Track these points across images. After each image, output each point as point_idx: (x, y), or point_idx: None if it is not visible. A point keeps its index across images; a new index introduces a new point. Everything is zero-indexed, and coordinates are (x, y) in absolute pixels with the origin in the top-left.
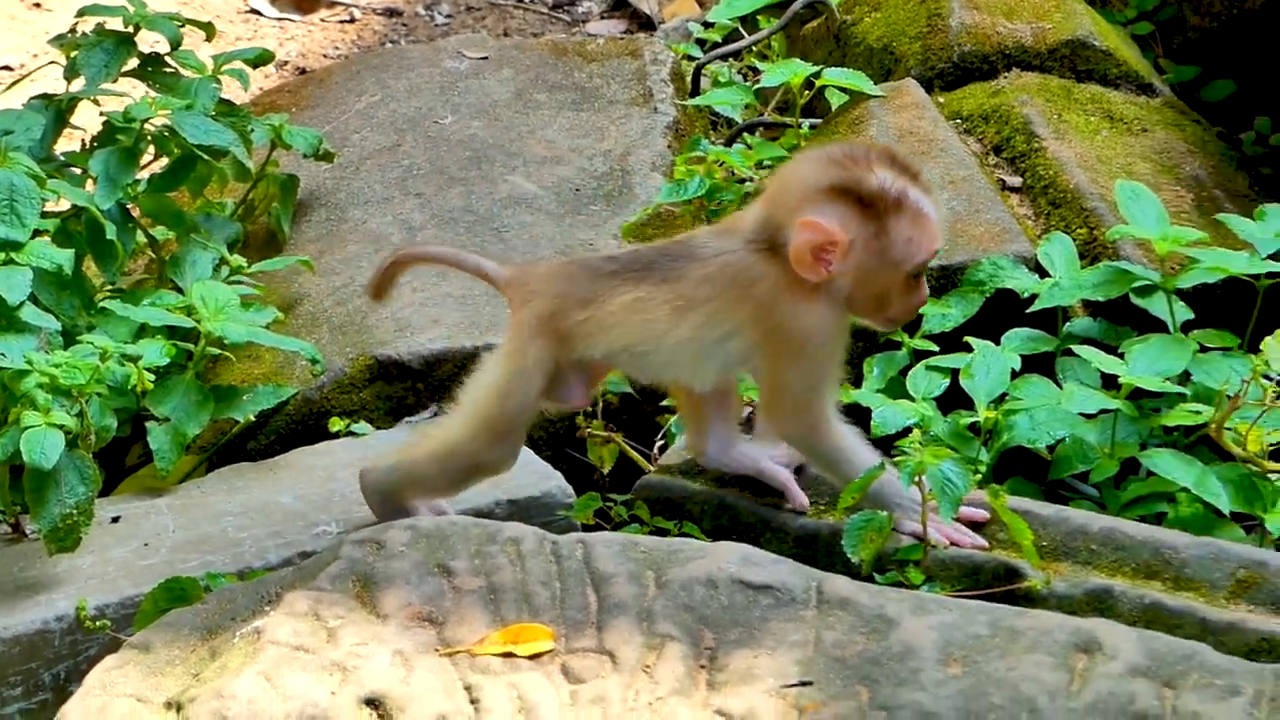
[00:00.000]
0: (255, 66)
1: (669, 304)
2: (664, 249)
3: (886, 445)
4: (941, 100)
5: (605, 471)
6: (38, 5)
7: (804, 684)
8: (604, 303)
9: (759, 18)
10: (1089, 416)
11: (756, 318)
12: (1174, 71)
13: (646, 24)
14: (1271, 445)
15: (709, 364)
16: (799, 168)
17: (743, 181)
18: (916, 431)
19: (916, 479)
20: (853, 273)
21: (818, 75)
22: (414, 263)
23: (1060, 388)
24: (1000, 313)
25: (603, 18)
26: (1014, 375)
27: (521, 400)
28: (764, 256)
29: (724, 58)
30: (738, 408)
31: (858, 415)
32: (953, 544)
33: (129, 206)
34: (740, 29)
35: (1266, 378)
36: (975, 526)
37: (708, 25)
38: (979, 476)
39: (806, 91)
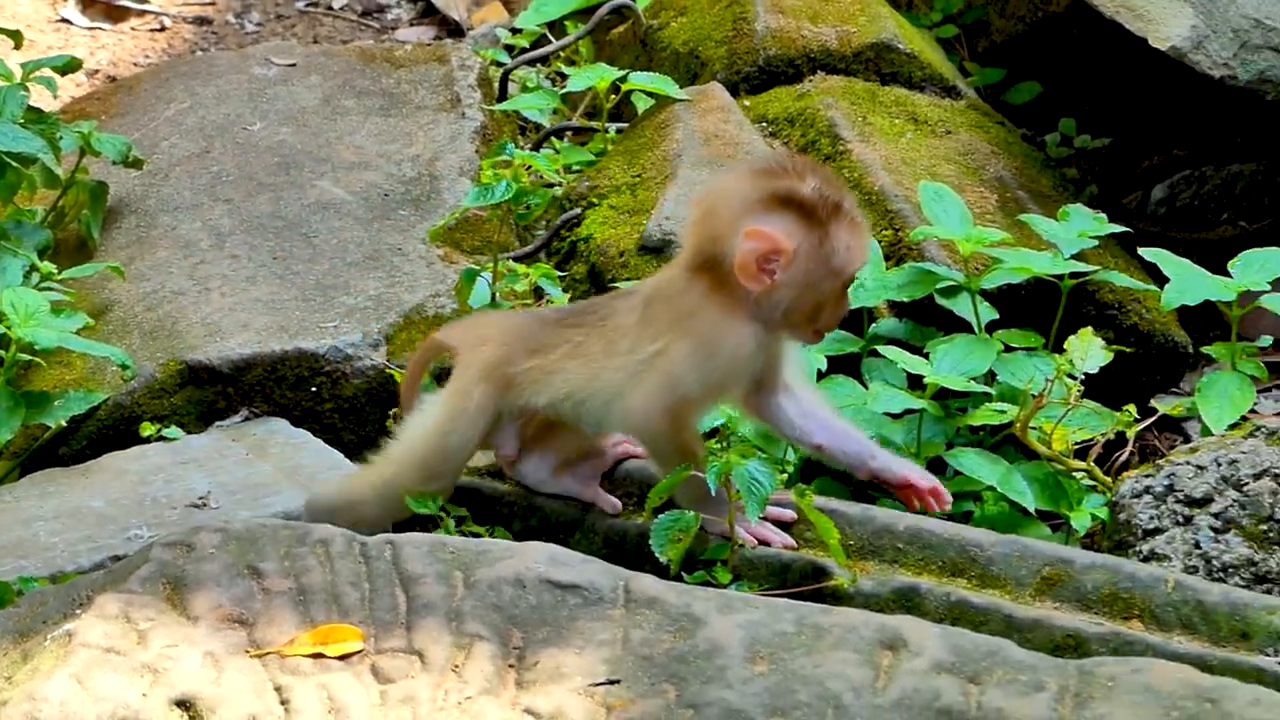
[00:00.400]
0: (64, 74)
1: (602, 338)
2: (611, 294)
3: None
4: (747, 104)
5: None
6: None
7: (612, 682)
8: (549, 351)
9: (566, 23)
10: (895, 416)
11: (679, 327)
12: (979, 74)
13: (455, 30)
14: (1076, 444)
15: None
16: (727, 184)
17: (550, 186)
18: (736, 427)
19: (724, 479)
20: (794, 282)
21: (624, 79)
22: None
23: (866, 388)
24: None
25: (412, 24)
26: (820, 376)
27: (461, 441)
28: (694, 275)
29: (531, 63)
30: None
31: None
32: (761, 543)
33: None
34: (548, 35)
35: (1071, 376)
36: (783, 526)
37: (515, 31)
38: (785, 476)
39: (613, 96)
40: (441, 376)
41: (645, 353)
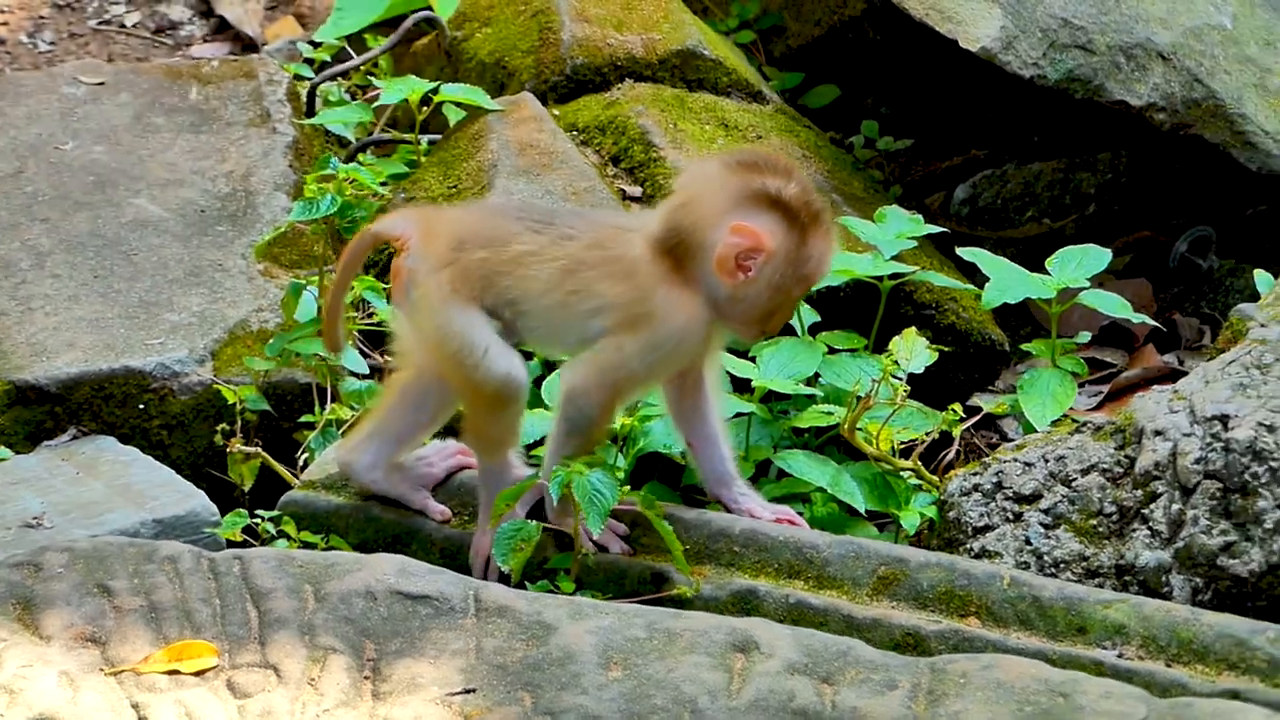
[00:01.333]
0: None
1: (554, 263)
2: (575, 211)
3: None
4: (556, 113)
5: (246, 489)
6: None
7: (468, 691)
8: (502, 248)
9: (365, 36)
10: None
11: (625, 301)
12: (778, 79)
13: (250, 47)
14: (902, 443)
15: (568, 335)
16: (711, 173)
17: (376, 196)
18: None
19: (566, 489)
20: (765, 281)
21: (436, 91)
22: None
23: None
24: None
25: (205, 41)
26: None
27: (462, 321)
28: (659, 253)
29: (333, 77)
30: (418, 442)
31: None
32: (600, 549)
33: None
34: (348, 48)
35: (896, 377)
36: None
37: (315, 45)
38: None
39: (424, 108)
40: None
41: (587, 305)
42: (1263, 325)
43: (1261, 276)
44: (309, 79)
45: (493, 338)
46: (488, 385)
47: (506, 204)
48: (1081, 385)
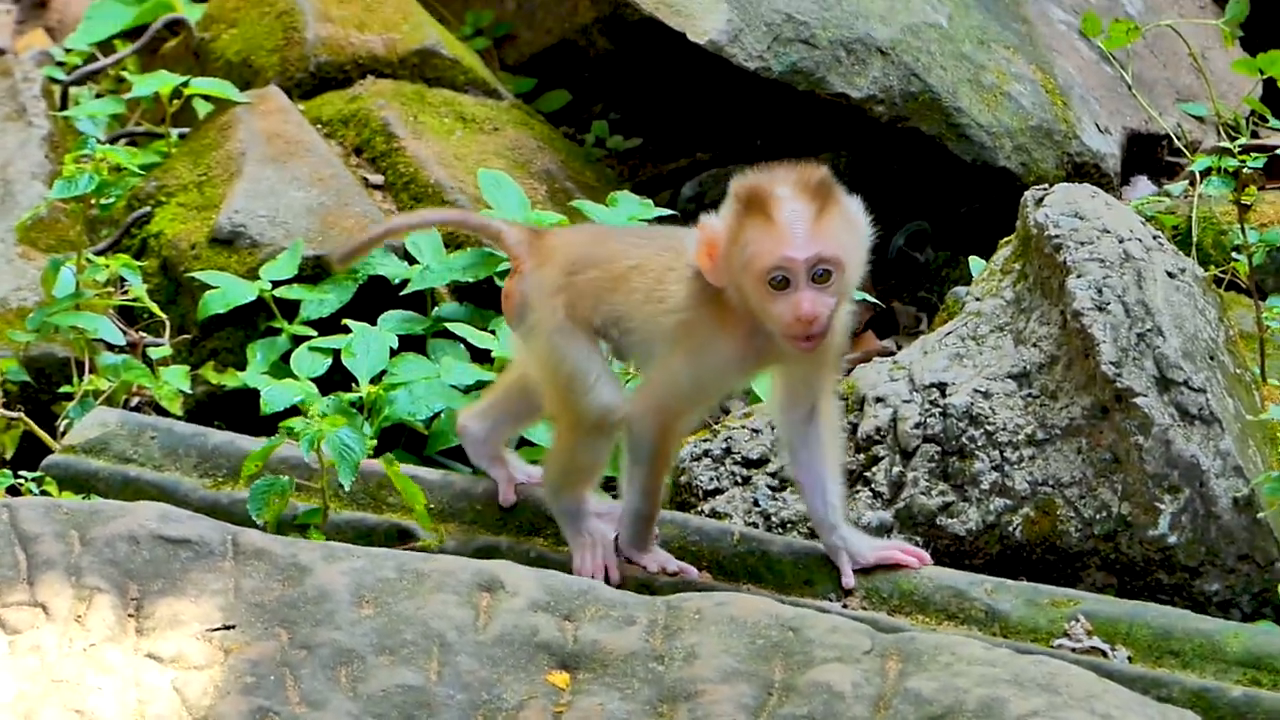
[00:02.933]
0: None
1: (652, 274)
2: (669, 230)
3: (274, 423)
4: (302, 108)
5: (8, 456)
6: None
7: (227, 628)
8: (610, 266)
9: (116, 43)
10: (465, 390)
11: (677, 311)
12: (511, 84)
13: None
14: None
15: (660, 348)
16: None
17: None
18: (314, 405)
19: (316, 446)
20: (726, 275)
21: (186, 85)
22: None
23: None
24: (375, 298)
25: None
26: (393, 354)
27: (577, 349)
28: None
29: (85, 78)
30: (528, 426)
31: (247, 398)
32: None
33: None
34: (97, 54)
35: None
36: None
37: (67, 50)
38: (373, 443)
39: (175, 101)
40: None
41: (663, 314)
42: (977, 299)
43: (976, 263)
44: (62, 81)
45: (604, 368)
46: (591, 413)
47: (610, 228)
48: None
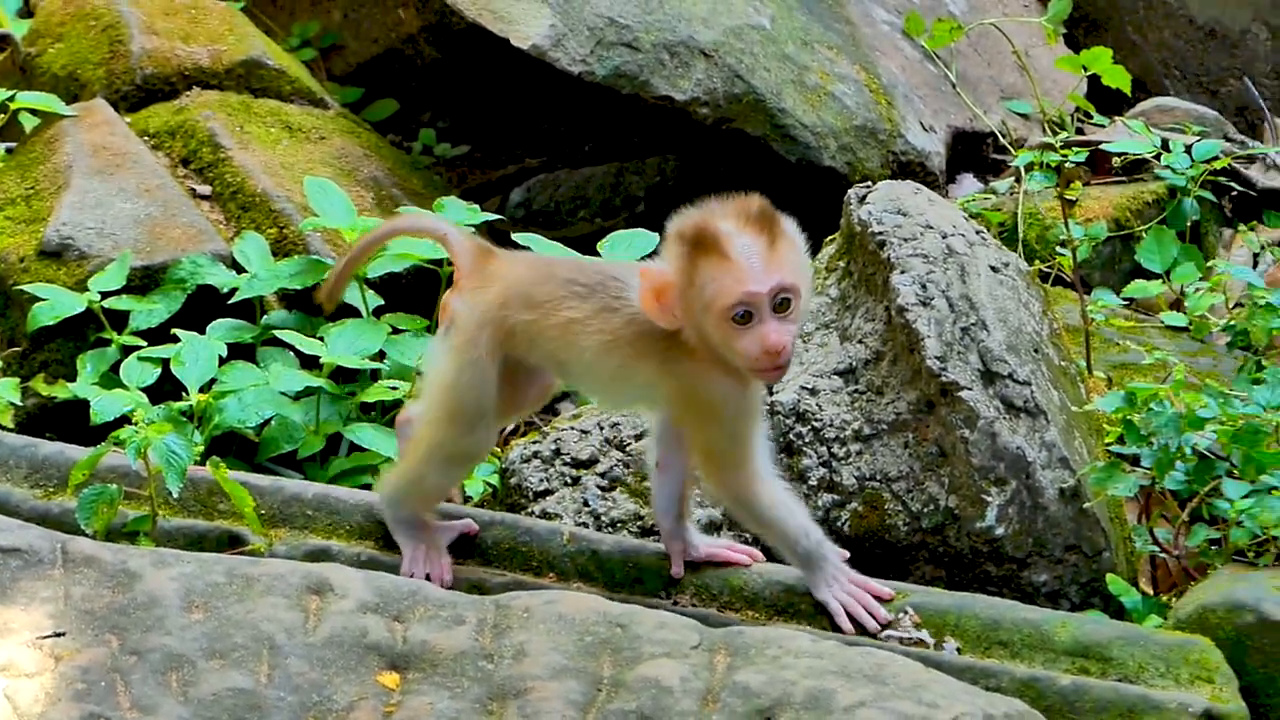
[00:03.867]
0: None
1: (598, 336)
2: (615, 273)
3: (105, 433)
4: (129, 120)
5: None
6: None
7: (58, 635)
8: (549, 312)
9: None
10: (294, 397)
11: (664, 374)
12: (339, 94)
13: None
14: None
15: (626, 397)
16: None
17: None
18: (140, 413)
19: (143, 453)
20: (686, 317)
21: (12, 99)
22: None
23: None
24: (203, 307)
25: None
26: (222, 362)
27: (480, 389)
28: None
29: None
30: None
31: (78, 409)
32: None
33: None
34: None
35: None
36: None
37: None
38: (200, 449)
39: (2, 116)
40: None
41: (636, 379)
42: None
43: None
44: None
45: (492, 414)
46: (460, 447)
47: (555, 262)
48: None
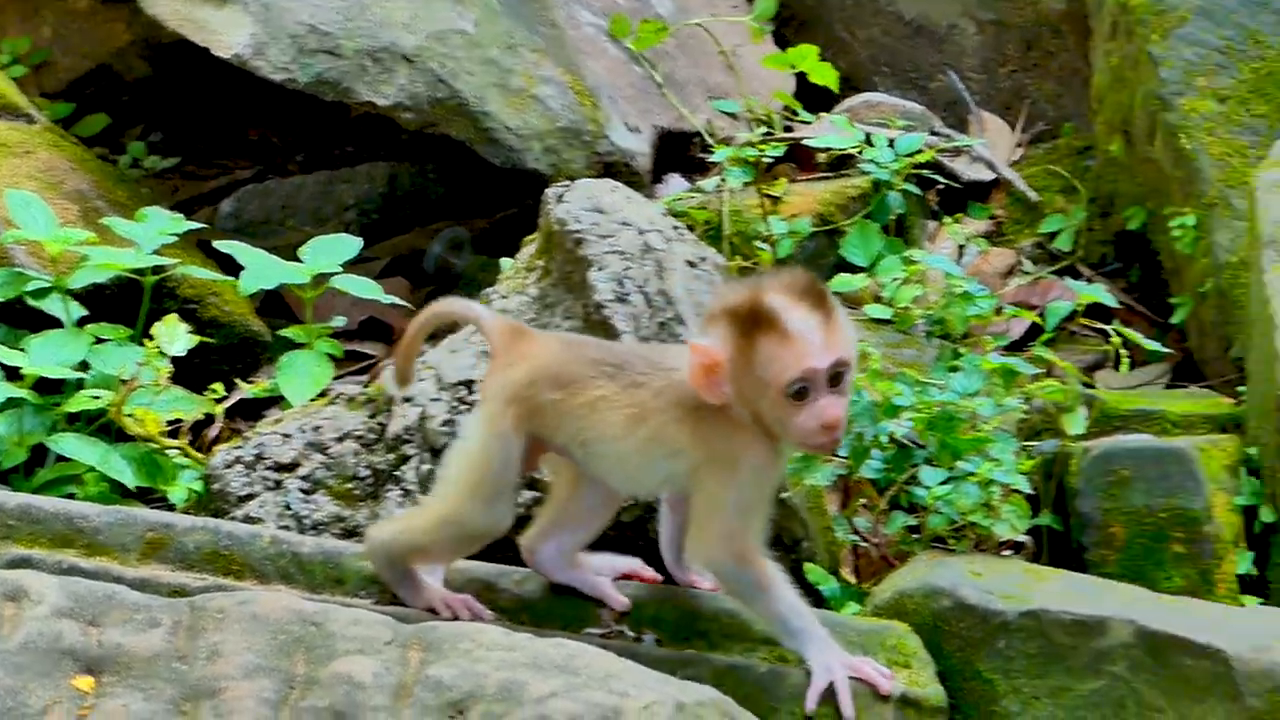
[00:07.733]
0: None
1: (626, 410)
2: (642, 352)
3: None
4: None
5: None
6: None
7: None
8: (576, 391)
9: None
10: None
11: (696, 441)
12: (50, 109)
13: None
14: (169, 425)
15: (651, 477)
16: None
17: None
18: None
19: None
20: (739, 392)
21: None
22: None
23: None
24: None
25: None
26: None
27: (503, 465)
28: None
29: None
30: (596, 529)
31: None
32: None
33: None
34: None
35: (162, 356)
36: None
37: None
38: None
39: None
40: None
41: (664, 449)
42: (503, 297)
43: (507, 264)
44: None
45: (513, 491)
46: (474, 521)
47: (584, 344)
48: (344, 376)
